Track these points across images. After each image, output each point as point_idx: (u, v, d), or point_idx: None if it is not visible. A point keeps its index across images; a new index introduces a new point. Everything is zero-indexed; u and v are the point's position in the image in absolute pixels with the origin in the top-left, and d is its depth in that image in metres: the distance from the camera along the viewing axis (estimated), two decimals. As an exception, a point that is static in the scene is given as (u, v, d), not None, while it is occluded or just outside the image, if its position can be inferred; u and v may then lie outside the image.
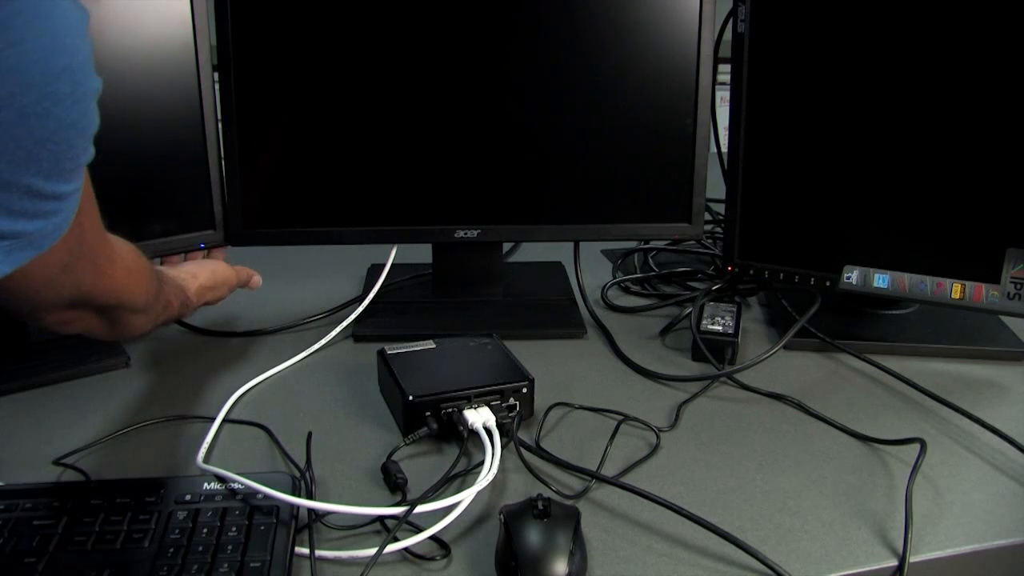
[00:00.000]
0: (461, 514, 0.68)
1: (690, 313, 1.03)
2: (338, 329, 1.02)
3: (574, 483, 0.75)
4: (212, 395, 0.89)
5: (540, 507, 0.64)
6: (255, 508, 0.66)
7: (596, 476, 0.75)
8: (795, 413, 0.88)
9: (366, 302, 1.06)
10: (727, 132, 1.07)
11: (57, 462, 0.76)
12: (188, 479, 0.71)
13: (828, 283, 1.02)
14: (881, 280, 0.99)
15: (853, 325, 1.04)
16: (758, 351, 0.97)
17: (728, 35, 1.05)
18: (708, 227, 1.33)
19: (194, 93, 0.98)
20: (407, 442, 0.79)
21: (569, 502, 0.71)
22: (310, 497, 0.71)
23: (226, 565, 0.61)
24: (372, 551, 0.63)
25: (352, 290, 1.16)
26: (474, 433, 0.77)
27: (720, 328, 0.99)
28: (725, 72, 1.06)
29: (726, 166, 1.10)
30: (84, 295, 0.64)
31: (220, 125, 1.00)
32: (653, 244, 1.32)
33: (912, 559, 0.66)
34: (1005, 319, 1.06)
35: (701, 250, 1.30)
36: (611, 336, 1.03)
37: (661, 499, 0.70)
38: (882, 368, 0.95)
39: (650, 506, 0.70)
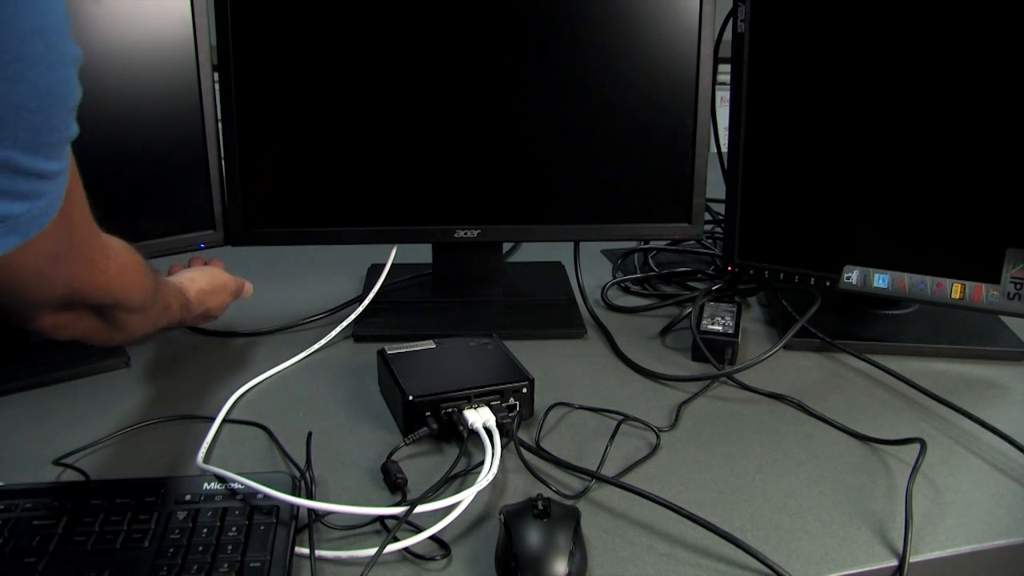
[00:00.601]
0: (461, 514, 0.68)
1: (690, 313, 1.03)
2: (338, 329, 1.02)
3: (574, 483, 0.75)
4: (212, 395, 0.89)
5: (540, 507, 0.64)
6: (255, 508, 0.66)
7: (596, 476, 0.75)
8: (795, 413, 0.88)
9: (366, 302, 1.06)
10: (727, 132, 1.07)
11: (57, 462, 0.76)
12: (188, 479, 0.71)
13: (828, 283, 1.02)
14: (881, 280, 0.99)
15: (853, 325, 1.04)
16: (758, 351, 0.97)
17: (728, 35, 1.05)
18: (708, 227, 1.33)
19: (194, 93, 0.98)
20: (407, 442, 0.79)
21: (569, 502, 0.71)
22: (310, 497, 0.71)
23: (226, 565, 0.61)
24: (372, 551, 0.63)
25: (352, 290, 1.16)
26: (474, 433, 0.77)
27: (720, 328, 0.99)
28: (725, 72, 1.06)
29: (726, 166, 1.10)
30: (77, 292, 0.62)
31: (220, 125, 1.00)
32: (653, 244, 1.32)
33: (912, 559, 0.66)
34: (1005, 319, 1.06)
35: (701, 250, 1.31)
36: (611, 336, 1.03)
37: (661, 499, 0.70)
38: (882, 368, 0.95)
39: (650, 506, 0.70)
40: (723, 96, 1.06)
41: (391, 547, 0.64)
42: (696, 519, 0.68)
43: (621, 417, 0.85)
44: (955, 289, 0.96)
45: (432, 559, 0.65)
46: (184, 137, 0.98)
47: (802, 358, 1.00)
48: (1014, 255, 0.93)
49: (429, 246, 1.11)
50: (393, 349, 0.88)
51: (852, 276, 1.00)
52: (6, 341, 0.94)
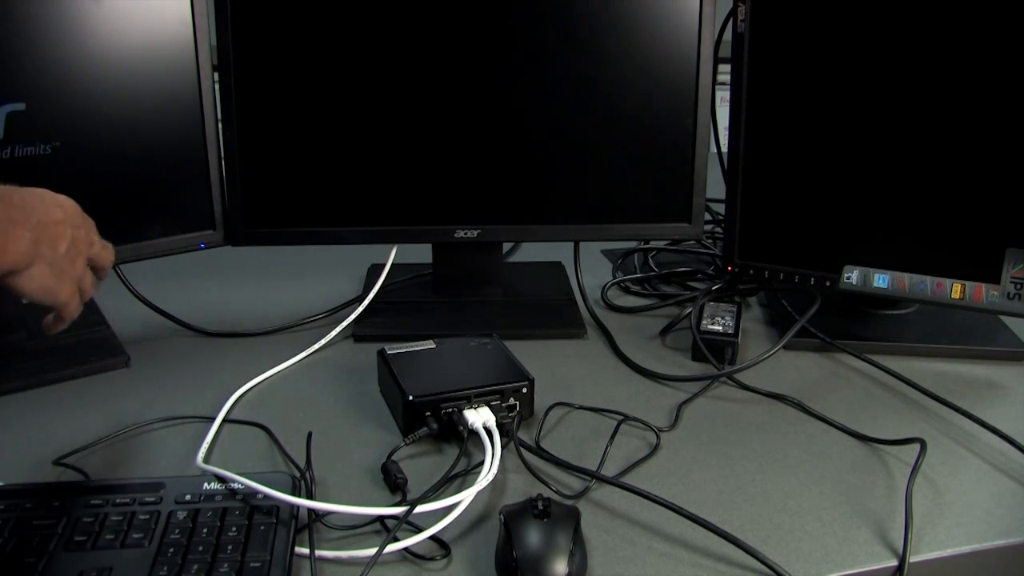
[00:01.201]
0: (461, 514, 0.68)
1: (690, 313, 1.03)
2: (338, 329, 1.02)
3: (574, 483, 0.75)
4: (212, 395, 0.89)
5: (540, 507, 0.64)
6: (255, 508, 0.66)
7: (596, 476, 0.75)
8: (795, 413, 0.88)
9: (366, 302, 1.06)
10: (727, 132, 1.07)
11: (57, 462, 0.76)
12: (188, 479, 0.70)
13: (828, 283, 1.02)
14: (881, 280, 0.99)
15: (853, 325, 1.04)
16: (758, 351, 0.97)
17: (728, 35, 1.05)
18: (708, 227, 1.33)
19: (194, 93, 0.97)
20: (407, 442, 0.79)
21: (569, 502, 0.71)
22: (310, 497, 0.71)
23: (226, 565, 0.61)
24: (372, 551, 0.63)
25: (352, 290, 1.16)
26: (474, 433, 0.77)
27: (720, 328, 0.99)
28: (725, 72, 1.06)
29: (726, 166, 1.10)
30: None
31: (220, 125, 1.00)
32: (653, 244, 1.32)
33: (912, 559, 0.66)
34: (1005, 319, 1.06)
35: (701, 250, 1.30)
36: (611, 336, 1.03)
37: (661, 499, 0.70)
38: (882, 368, 0.95)
39: (650, 506, 0.70)
40: (723, 96, 1.06)
41: (391, 547, 0.64)
42: (696, 519, 0.68)
43: (621, 417, 0.85)
44: (955, 289, 0.96)
45: (432, 559, 0.65)
46: (184, 137, 0.98)
47: (802, 358, 1.00)
48: (1014, 255, 0.93)
49: (429, 246, 1.11)
50: (393, 349, 0.88)
51: (852, 276, 1.00)
52: (6, 341, 0.94)
